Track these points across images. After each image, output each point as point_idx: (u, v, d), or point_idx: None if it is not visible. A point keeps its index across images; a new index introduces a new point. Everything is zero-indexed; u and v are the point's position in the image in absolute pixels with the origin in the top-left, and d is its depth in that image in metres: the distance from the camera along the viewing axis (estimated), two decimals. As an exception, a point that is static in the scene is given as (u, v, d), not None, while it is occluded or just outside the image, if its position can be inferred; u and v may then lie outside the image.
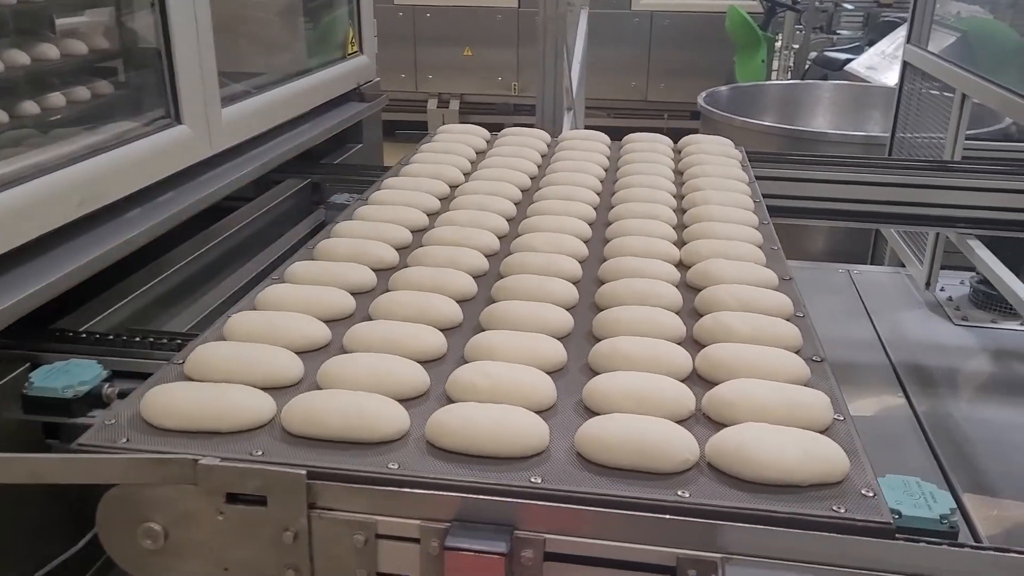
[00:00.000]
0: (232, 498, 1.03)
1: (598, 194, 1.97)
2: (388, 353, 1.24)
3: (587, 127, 4.91)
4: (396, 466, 1.04)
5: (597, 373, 1.24)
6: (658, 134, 2.44)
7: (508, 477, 1.02)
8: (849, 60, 5.28)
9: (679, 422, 1.11)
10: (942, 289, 3.01)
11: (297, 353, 1.25)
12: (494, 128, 2.53)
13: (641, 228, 1.72)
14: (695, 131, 2.77)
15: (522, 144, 2.31)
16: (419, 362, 1.23)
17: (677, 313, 1.40)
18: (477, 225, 1.73)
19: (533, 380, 1.19)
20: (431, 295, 1.42)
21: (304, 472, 1.02)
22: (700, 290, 1.49)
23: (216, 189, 2.00)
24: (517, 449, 1.06)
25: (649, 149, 2.29)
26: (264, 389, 1.16)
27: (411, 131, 7.36)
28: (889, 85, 4.75)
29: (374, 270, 1.54)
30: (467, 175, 2.08)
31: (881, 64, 5.09)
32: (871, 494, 1.00)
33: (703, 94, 4.63)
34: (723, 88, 4.99)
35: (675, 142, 2.41)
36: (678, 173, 2.15)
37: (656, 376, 1.19)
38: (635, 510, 0.98)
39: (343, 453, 1.07)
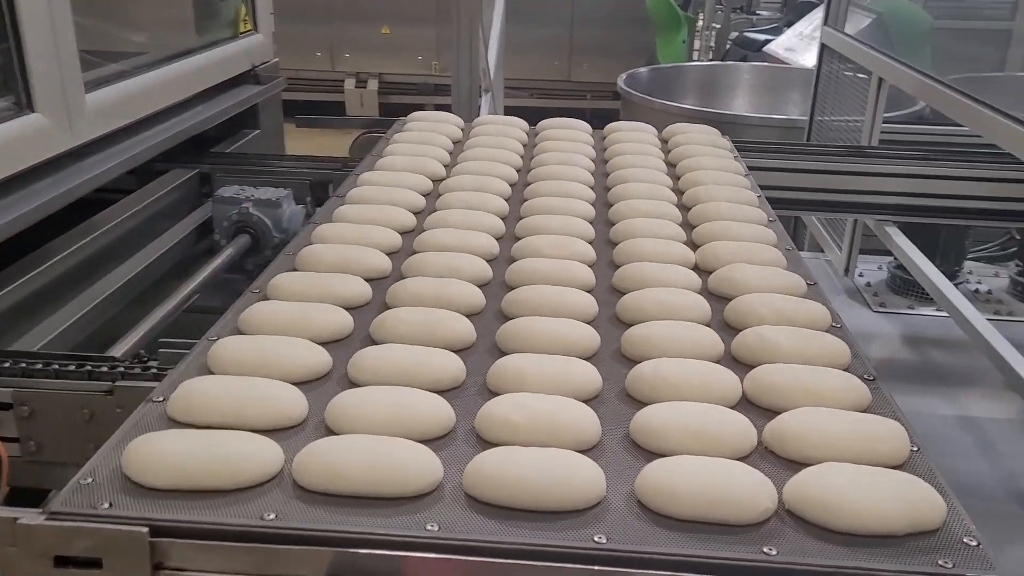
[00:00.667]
0: (61, 562, 0.89)
1: (592, 187, 1.86)
2: (401, 385, 1.09)
3: (507, 108, 4.80)
4: (437, 527, 0.89)
5: (638, 401, 1.12)
6: (642, 123, 2.36)
7: (568, 537, 0.89)
8: (768, 41, 5.24)
9: (741, 459, 1.00)
10: (861, 275, 2.99)
11: (296, 384, 1.10)
12: (412, 109, 2.40)
13: (649, 229, 1.61)
14: (618, 112, 2.68)
15: (501, 134, 2.18)
16: (437, 393, 1.09)
17: (708, 326, 1.30)
18: (472, 226, 1.59)
19: (575, 414, 1.05)
20: (439, 312, 1.27)
21: (146, 529, 0.87)
22: (726, 299, 1.39)
23: (79, 184, 1.80)
24: (573, 501, 0.92)
25: (637, 140, 2.17)
26: (265, 432, 1.01)
27: (313, 114, 7.12)
28: (808, 67, 4.73)
29: (367, 280, 1.40)
30: (447, 167, 1.95)
31: (799, 45, 5.07)
32: (975, 543, 0.90)
33: (623, 76, 4.53)
34: (643, 69, 4.90)
35: (601, 126, 2.33)
36: (670, 165, 2.04)
37: (711, 407, 1.07)
38: (717, 573, 0.86)
39: (369, 512, 0.91)
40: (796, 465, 0.99)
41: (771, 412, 1.09)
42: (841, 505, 0.90)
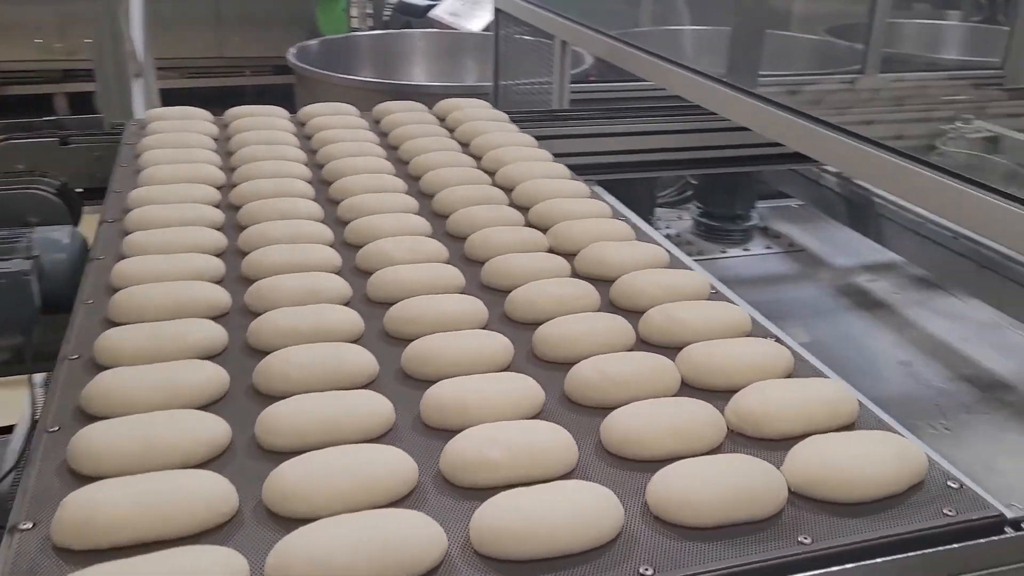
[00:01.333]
0: None
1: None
2: (341, 443, 0.97)
3: (161, 91, 4.35)
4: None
5: (595, 408, 1.06)
6: (414, 102, 2.32)
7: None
8: (432, 6, 5.25)
9: (717, 448, 1.00)
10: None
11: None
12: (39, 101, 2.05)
13: (495, 217, 1.58)
14: (286, 88, 2.55)
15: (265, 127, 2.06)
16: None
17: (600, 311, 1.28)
18: (302, 238, 1.48)
19: (553, 439, 0.97)
20: (336, 347, 1.16)
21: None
22: (606, 281, 1.36)
23: None
24: (594, 539, 0.86)
25: (418, 121, 2.15)
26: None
27: None
28: (475, 31, 4.83)
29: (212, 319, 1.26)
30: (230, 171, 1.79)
31: (463, 10, 5.13)
32: (958, 485, 0.97)
33: (293, 49, 4.28)
34: (313, 42, 4.67)
35: (276, 102, 2.22)
36: (463, 144, 2.04)
37: (679, 401, 1.05)
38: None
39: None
40: (771, 443, 1.00)
41: (719, 394, 1.09)
42: (852, 477, 0.93)
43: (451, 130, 2.15)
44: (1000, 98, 2.98)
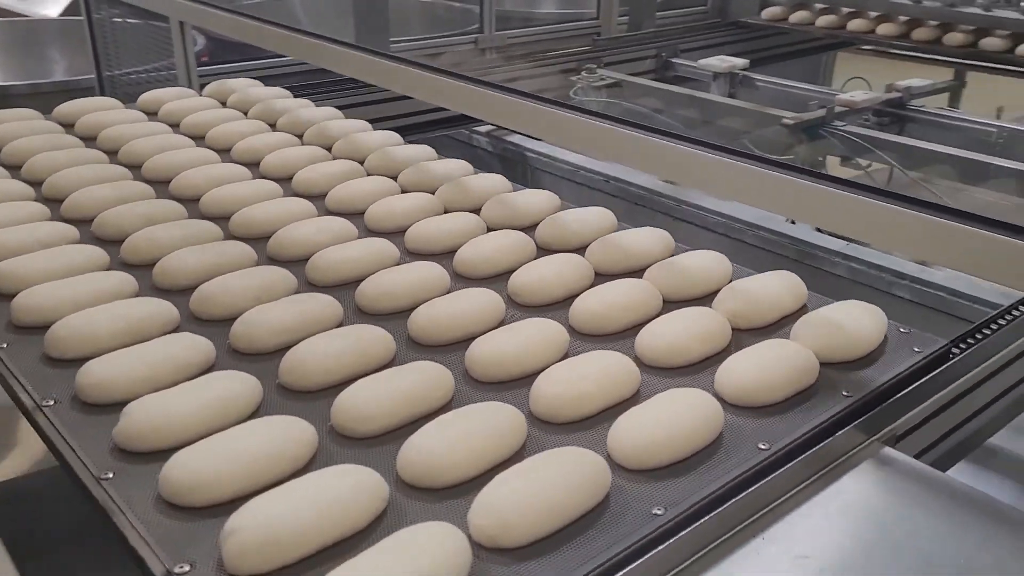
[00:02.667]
0: None
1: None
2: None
3: None
4: None
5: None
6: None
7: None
8: (-13, -9, 4.49)
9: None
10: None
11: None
12: None
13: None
14: None
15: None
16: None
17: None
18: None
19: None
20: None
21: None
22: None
23: None
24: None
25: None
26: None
27: None
28: (53, 16, 4.22)
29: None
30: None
31: (31, -7, 4.46)
32: (907, 330, 1.21)
33: None
34: None
35: None
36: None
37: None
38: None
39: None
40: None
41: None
42: (850, 337, 1.13)
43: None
44: (611, 47, 3.22)
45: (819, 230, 1.92)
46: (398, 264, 1.36)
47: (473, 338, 1.13)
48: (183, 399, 0.99)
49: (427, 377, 1.04)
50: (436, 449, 0.91)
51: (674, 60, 3.11)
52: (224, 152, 1.87)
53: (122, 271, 1.33)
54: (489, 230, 1.50)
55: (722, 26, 3.57)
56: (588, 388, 1.01)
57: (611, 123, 1.33)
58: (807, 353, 1.09)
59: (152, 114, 2.13)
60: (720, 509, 0.88)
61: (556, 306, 1.26)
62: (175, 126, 2.03)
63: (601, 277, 1.33)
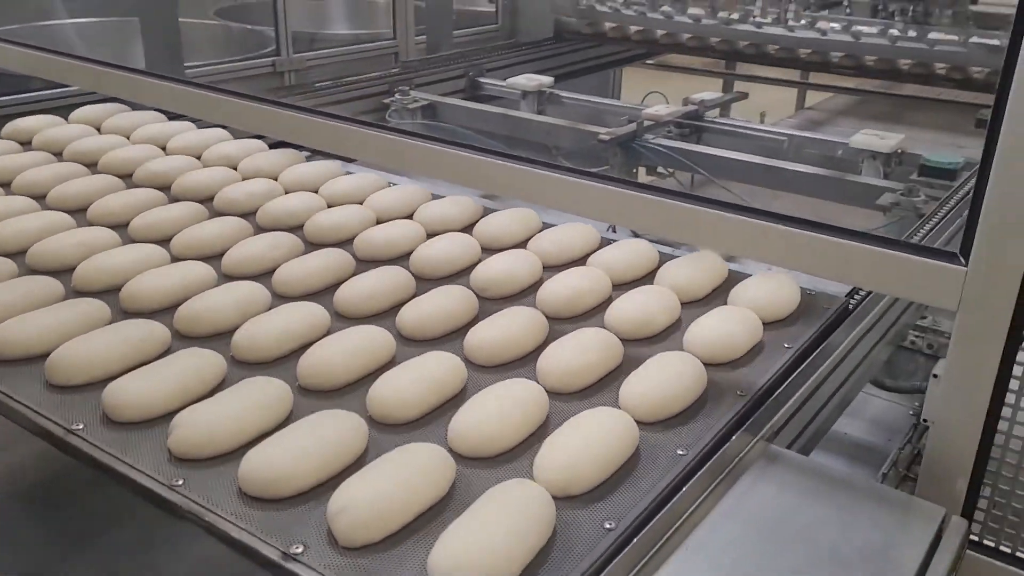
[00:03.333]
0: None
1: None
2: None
3: None
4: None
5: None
6: None
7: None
8: None
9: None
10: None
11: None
12: None
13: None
14: None
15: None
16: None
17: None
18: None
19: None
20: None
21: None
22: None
23: None
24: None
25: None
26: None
27: None
28: None
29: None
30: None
31: None
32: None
33: None
34: None
35: None
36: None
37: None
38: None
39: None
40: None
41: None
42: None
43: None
44: (420, 68, 3.24)
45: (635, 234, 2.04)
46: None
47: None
48: (225, 407, 1.05)
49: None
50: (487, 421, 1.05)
51: (481, 80, 3.17)
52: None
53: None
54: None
55: (524, 45, 3.69)
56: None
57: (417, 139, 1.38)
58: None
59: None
60: (658, 516, 0.93)
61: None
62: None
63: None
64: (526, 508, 0.89)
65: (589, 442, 0.99)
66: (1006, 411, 1.13)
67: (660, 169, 2.66)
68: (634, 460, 1.02)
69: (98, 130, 2.16)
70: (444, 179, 1.56)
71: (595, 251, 1.56)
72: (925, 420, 1.75)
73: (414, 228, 1.62)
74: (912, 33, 3.12)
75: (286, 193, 1.79)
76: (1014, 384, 1.12)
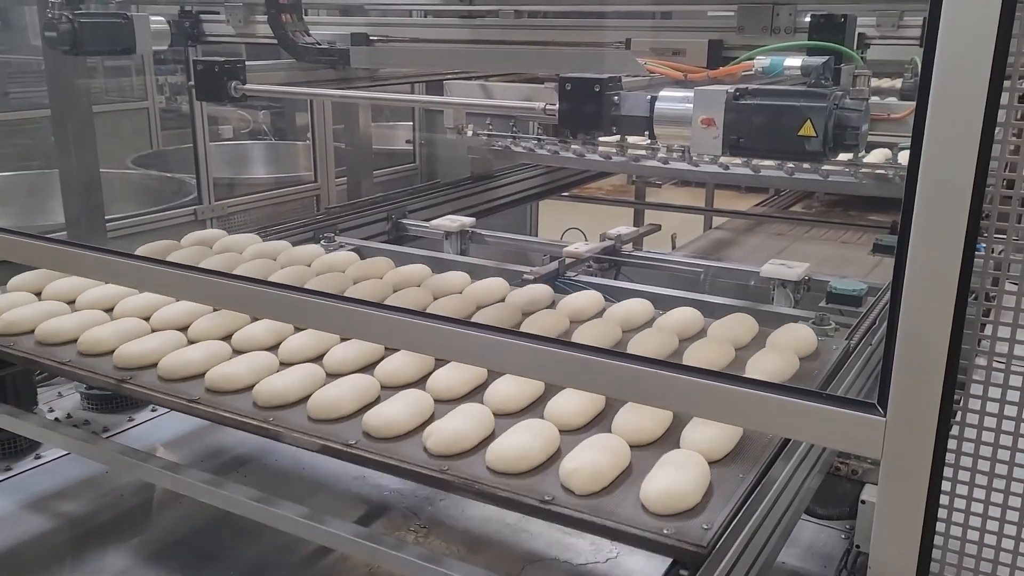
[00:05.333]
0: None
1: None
2: None
3: None
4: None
5: None
6: None
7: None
8: None
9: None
10: None
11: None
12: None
13: None
14: None
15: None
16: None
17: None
18: None
19: None
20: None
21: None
22: None
23: None
24: None
25: None
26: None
27: None
28: None
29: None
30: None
31: None
32: None
33: None
34: None
35: None
36: None
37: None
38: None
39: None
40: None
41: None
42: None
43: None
44: (343, 213, 3.30)
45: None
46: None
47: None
48: (462, 419, 1.53)
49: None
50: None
51: (404, 222, 3.25)
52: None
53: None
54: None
55: (444, 185, 3.80)
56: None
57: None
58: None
59: None
60: None
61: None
62: None
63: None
64: (692, 460, 1.34)
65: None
66: (938, 539, 1.19)
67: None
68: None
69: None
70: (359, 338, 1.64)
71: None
72: (858, 546, 1.81)
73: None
74: (806, 164, 3.35)
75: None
76: (943, 513, 1.19)
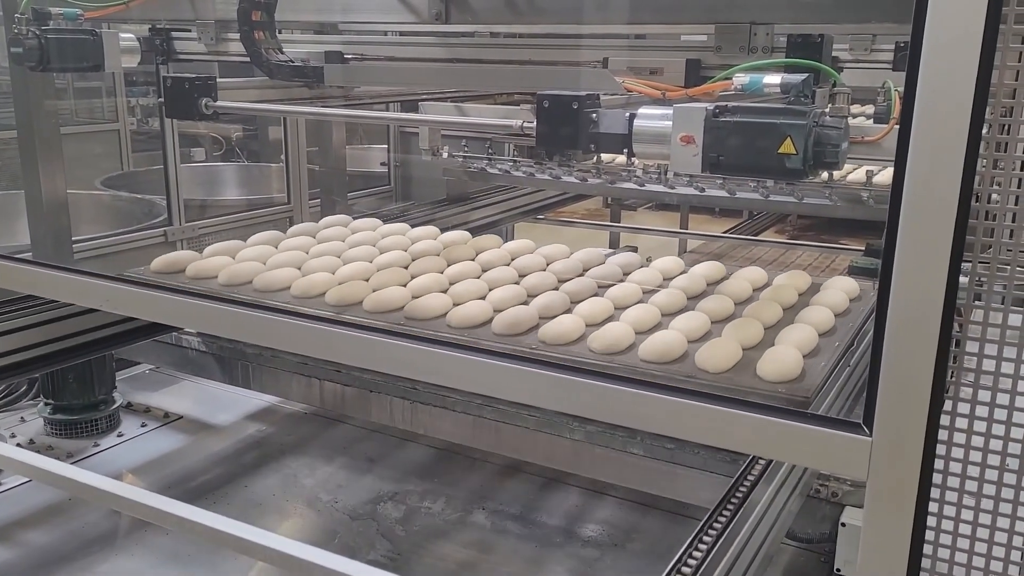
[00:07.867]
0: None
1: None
2: None
3: None
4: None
5: None
6: None
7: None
8: None
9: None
10: None
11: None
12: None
13: None
14: None
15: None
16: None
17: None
18: None
19: None
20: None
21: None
22: None
23: None
24: None
25: None
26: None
27: None
28: None
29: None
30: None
31: None
32: None
33: None
34: None
35: None
36: None
37: None
38: None
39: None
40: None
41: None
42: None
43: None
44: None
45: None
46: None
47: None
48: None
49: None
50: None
51: (378, 243, 3.21)
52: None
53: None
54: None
55: (420, 205, 3.77)
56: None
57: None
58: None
59: None
60: None
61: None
62: None
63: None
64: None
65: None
66: (926, 563, 1.16)
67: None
68: None
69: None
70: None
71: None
72: (839, 570, 1.79)
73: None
74: (783, 186, 3.35)
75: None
76: (930, 535, 1.16)
